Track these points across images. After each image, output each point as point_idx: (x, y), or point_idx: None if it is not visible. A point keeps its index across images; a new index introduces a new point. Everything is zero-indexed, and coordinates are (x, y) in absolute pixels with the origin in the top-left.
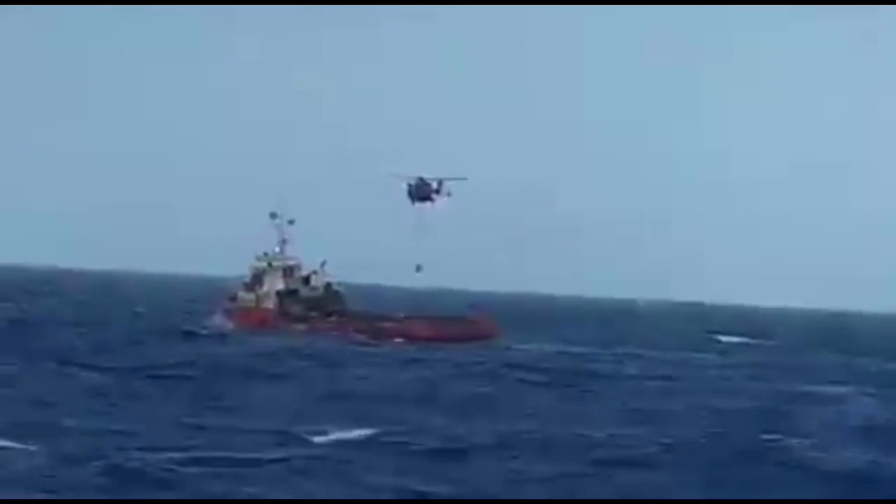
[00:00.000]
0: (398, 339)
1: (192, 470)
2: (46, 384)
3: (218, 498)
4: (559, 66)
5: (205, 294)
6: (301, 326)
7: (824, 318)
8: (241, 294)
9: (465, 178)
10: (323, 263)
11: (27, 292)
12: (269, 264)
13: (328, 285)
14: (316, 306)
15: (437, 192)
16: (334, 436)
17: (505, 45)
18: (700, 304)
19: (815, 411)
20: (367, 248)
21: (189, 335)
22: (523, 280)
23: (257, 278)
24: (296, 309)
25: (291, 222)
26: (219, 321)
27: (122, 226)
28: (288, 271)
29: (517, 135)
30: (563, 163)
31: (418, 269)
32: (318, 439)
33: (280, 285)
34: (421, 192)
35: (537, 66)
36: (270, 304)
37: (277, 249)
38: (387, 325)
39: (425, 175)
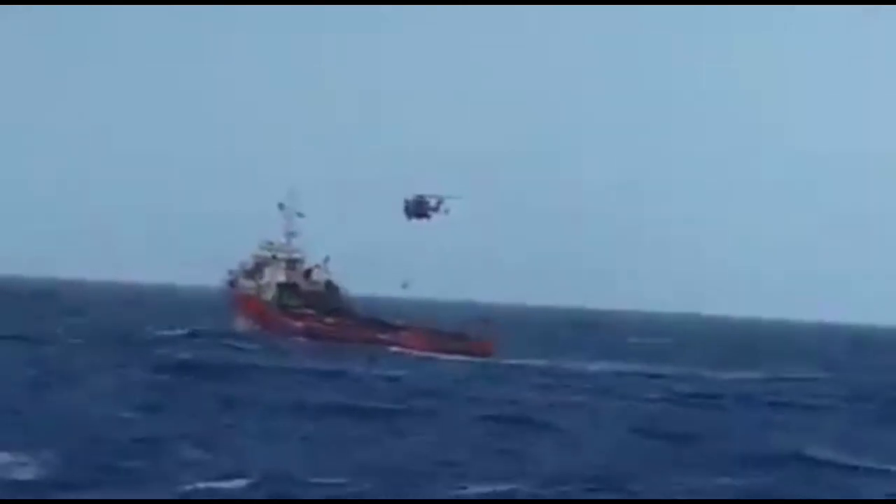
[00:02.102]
0: (395, 349)
1: None
2: None
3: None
4: (558, 68)
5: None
6: (299, 324)
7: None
8: (242, 281)
9: (461, 197)
10: (326, 259)
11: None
12: (274, 256)
13: (329, 282)
14: (315, 303)
15: (436, 209)
16: None
17: (504, 47)
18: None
19: None
20: (367, 258)
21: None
22: (521, 292)
23: (259, 267)
24: (294, 303)
25: (301, 215)
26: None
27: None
28: (291, 264)
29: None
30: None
31: (404, 285)
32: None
33: (281, 277)
34: (419, 209)
35: (535, 68)
36: (269, 295)
37: (283, 240)
38: (385, 335)
39: (425, 192)
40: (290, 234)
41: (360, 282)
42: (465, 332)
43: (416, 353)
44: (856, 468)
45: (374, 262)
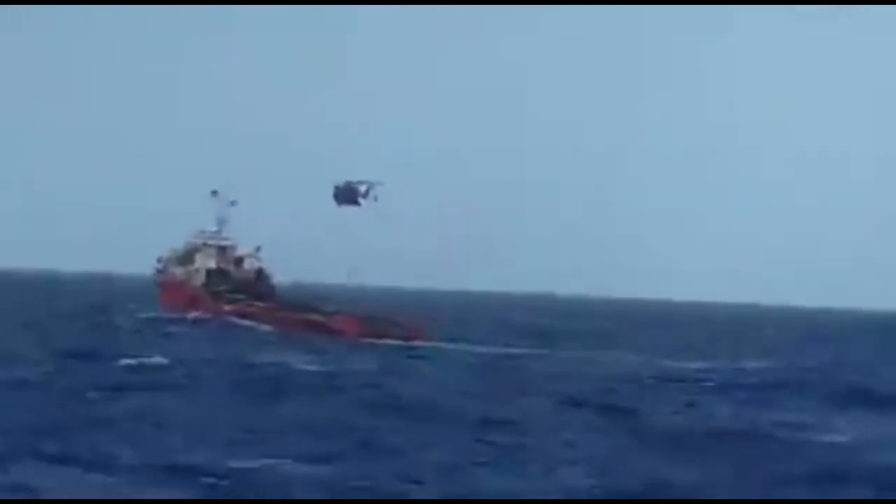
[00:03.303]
0: (325, 332)
1: None
2: None
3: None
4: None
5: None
6: (229, 308)
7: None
8: (172, 268)
9: (383, 183)
10: (258, 248)
11: None
12: (205, 243)
13: (260, 270)
14: (245, 289)
15: (365, 196)
16: None
17: (487, 43)
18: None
19: None
20: (305, 245)
21: None
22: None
23: (189, 254)
24: (224, 288)
25: (233, 203)
26: None
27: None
28: (221, 251)
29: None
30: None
31: (350, 275)
32: None
33: (212, 264)
34: (347, 195)
35: (519, 66)
36: (199, 281)
37: (215, 228)
38: (315, 317)
39: (354, 178)
40: (222, 222)
41: (293, 269)
42: (398, 317)
43: (349, 337)
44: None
45: (310, 249)
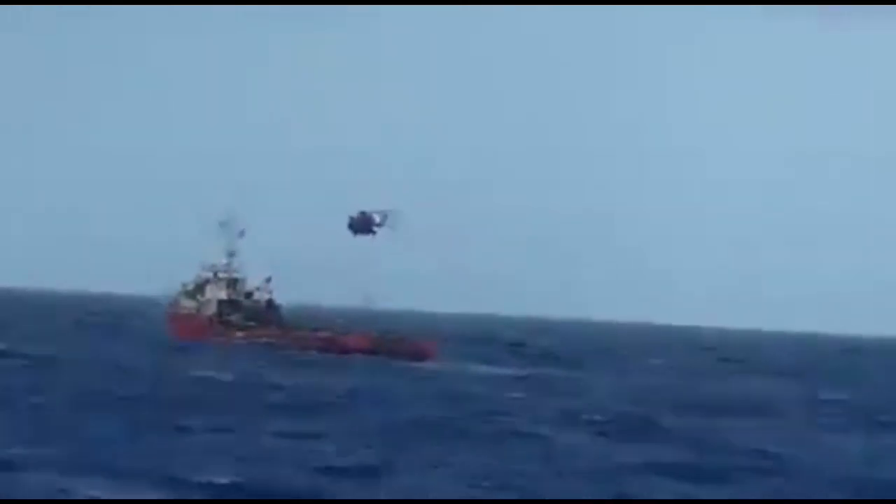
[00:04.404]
0: (337, 352)
1: None
2: None
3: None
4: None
5: None
6: (240, 334)
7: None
8: (183, 301)
9: (399, 211)
10: (268, 279)
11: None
12: (215, 274)
13: (270, 301)
14: (255, 318)
15: (380, 225)
16: None
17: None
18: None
19: None
20: (316, 268)
21: None
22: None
23: (200, 287)
24: (235, 318)
25: (241, 234)
26: None
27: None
28: (232, 283)
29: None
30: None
31: (366, 300)
32: None
33: (222, 295)
34: (362, 225)
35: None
36: (210, 311)
37: (224, 261)
38: (327, 335)
39: (368, 208)
40: (231, 254)
41: (304, 292)
42: (409, 337)
43: (361, 355)
44: None
45: (321, 273)
